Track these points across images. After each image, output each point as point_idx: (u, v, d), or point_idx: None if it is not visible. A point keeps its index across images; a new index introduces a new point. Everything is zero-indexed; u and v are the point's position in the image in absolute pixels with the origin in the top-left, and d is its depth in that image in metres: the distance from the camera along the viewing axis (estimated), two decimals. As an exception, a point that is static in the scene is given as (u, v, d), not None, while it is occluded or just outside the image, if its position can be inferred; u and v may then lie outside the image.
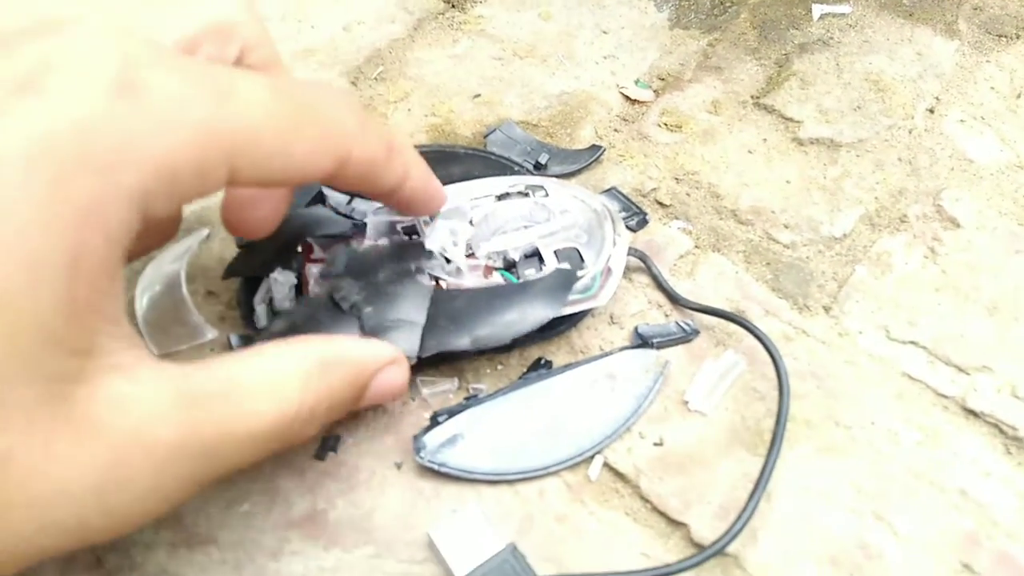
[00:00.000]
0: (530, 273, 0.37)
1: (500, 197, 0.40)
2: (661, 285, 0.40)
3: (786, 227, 0.44)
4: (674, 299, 0.40)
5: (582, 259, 0.39)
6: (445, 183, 0.37)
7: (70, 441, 0.21)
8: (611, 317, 0.40)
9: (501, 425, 0.35)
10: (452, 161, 0.44)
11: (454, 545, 0.32)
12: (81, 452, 0.21)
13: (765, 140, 0.49)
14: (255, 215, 0.32)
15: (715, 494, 0.34)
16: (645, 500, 0.34)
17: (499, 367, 0.38)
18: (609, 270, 0.37)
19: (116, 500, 0.22)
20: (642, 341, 0.38)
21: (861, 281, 0.42)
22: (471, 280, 0.36)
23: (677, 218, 0.45)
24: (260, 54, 0.30)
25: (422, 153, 0.34)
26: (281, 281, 0.36)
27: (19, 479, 0.20)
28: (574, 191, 0.41)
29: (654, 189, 0.46)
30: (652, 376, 0.36)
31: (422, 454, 0.34)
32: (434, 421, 0.35)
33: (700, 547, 0.33)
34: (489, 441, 0.34)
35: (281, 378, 0.26)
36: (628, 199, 0.45)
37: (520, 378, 0.37)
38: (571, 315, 0.37)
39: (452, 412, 0.35)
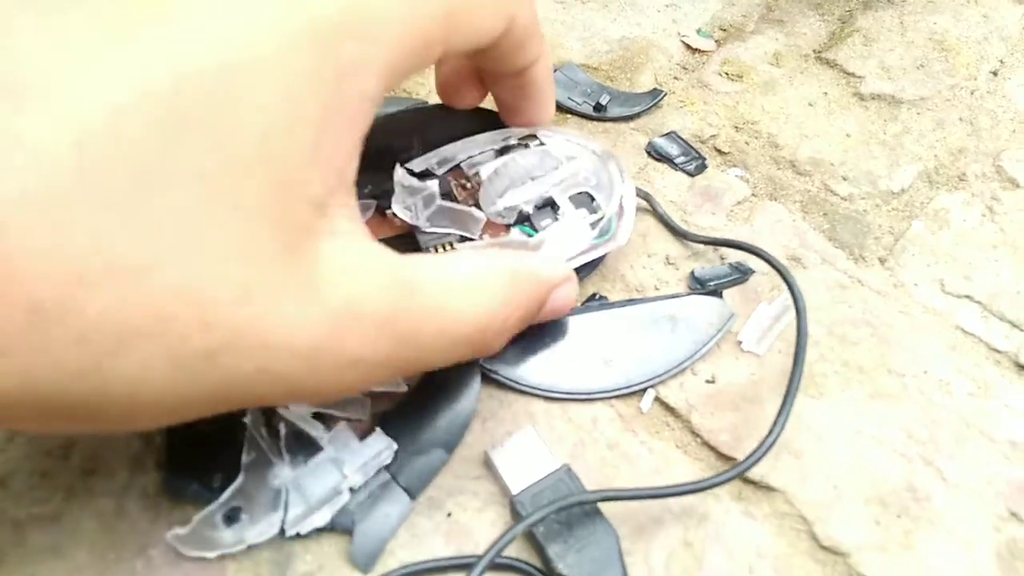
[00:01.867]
0: (547, 223, 0.36)
1: (500, 152, 0.38)
2: (667, 223, 0.40)
3: (844, 179, 0.44)
4: (682, 235, 0.40)
5: (595, 202, 0.37)
6: (445, 142, 0.37)
7: (297, 296, 0.21)
8: (667, 258, 0.40)
9: (558, 345, 0.35)
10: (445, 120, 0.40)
11: (510, 463, 0.33)
12: (306, 310, 0.21)
13: (826, 94, 0.48)
14: (470, 87, 0.35)
15: (765, 432, 0.34)
16: (695, 434, 0.34)
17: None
18: (622, 209, 0.37)
19: (324, 364, 0.22)
20: (699, 284, 0.38)
21: (917, 235, 0.41)
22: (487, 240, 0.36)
23: (735, 166, 0.44)
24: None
25: (406, 112, 0.35)
26: None
27: (250, 319, 0.20)
28: (567, 135, 0.39)
29: (713, 136, 0.46)
30: (715, 327, 0.36)
31: (480, 361, 0.34)
32: None
33: (749, 482, 0.33)
34: (544, 359, 0.35)
35: (483, 285, 0.26)
36: (687, 143, 0.44)
37: (581, 305, 0.36)
38: (592, 261, 0.36)
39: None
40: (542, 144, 0.38)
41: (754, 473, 0.33)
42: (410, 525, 0.31)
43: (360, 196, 0.35)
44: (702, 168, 0.44)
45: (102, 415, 0.20)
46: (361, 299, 0.22)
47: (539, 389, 0.34)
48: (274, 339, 0.21)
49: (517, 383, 0.34)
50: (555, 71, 0.47)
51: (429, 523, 0.32)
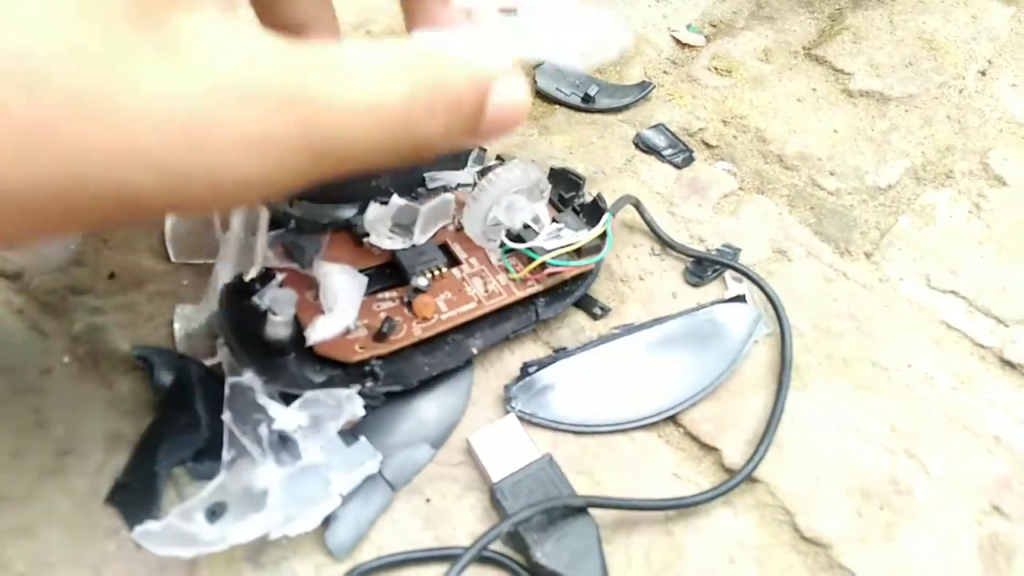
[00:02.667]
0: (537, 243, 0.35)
1: (482, 172, 0.37)
2: (655, 232, 0.39)
3: (831, 174, 0.44)
4: (668, 245, 0.39)
5: (579, 214, 0.37)
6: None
7: (166, 68, 0.18)
8: (652, 249, 0.39)
9: (588, 379, 0.35)
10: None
11: (492, 451, 0.32)
12: (176, 83, 0.18)
13: (815, 90, 0.48)
14: None
15: (748, 423, 0.34)
16: (678, 424, 0.34)
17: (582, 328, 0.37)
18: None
19: (213, 143, 0.19)
20: (697, 277, 0.38)
21: (904, 231, 0.41)
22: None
23: (723, 159, 0.44)
24: None
25: None
26: None
27: (92, 83, 0.17)
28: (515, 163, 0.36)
29: (701, 129, 0.45)
30: (746, 334, 0.36)
31: (513, 403, 0.33)
32: (524, 372, 0.34)
33: (731, 472, 0.33)
34: (576, 393, 0.34)
35: (392, 68, 0.22)
36: (675, 136, 0.44)
37: (609, 331, 0.36)
38: (584, 281, 0.36)
39: (542, 364, 0.34)
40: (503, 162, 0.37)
41: (736, 465, 0.33)
42: (388, 510, 0.31)
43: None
44: (689, 160, 0.43)
45: None
46: (245, 74, 0.19)
47: (579, 427, 0.34)
48: (131, 109, 0.18)
49: (558, 424, 0.34)
50: (542, 63, 0.46)
51: (408, 507, 0.31)
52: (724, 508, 0.32)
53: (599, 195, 0.37)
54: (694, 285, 0.38)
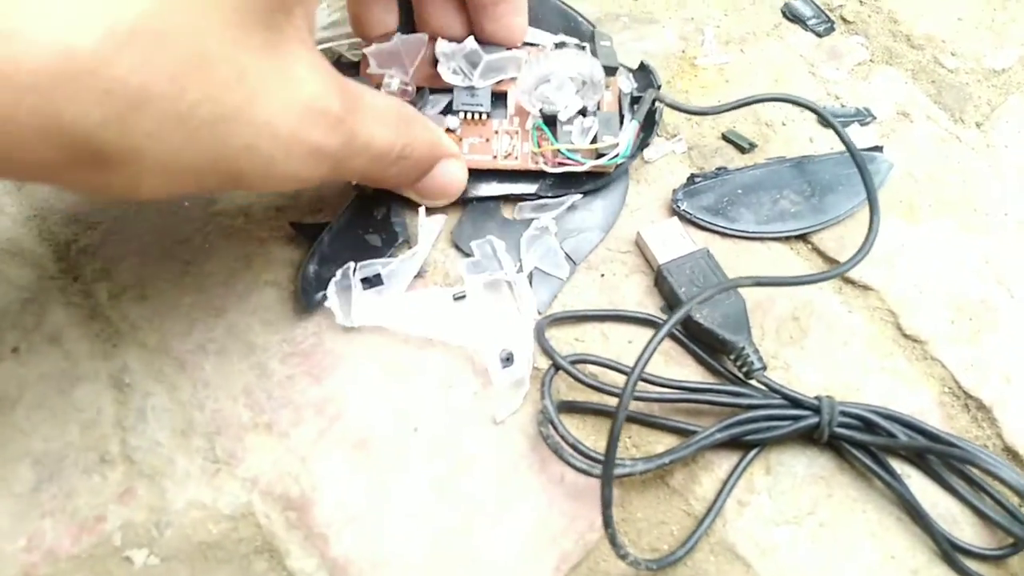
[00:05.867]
0: (569, 131, 0.37)
1: (558, 45, 0.40)
2: (679, 108, 0.41)
3: (952, 55, 0.49)
4: (699, 113, 0.41)
5: (621, 124, 0.38)
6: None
7: (279, 87, 0.24)
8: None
9: (739, 194, 0.41)
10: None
11: (658, 241, 0.39)
12: (285, 99, 0.24)
13: (944, -20, 0.52)
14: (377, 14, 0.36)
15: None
16: (807, 241, 0.41)
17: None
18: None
19: (296, 151, 0.25)
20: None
21: (1012, 108, 0.47)
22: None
23: (857, 34, 0.49)
24: None
25: None
26: None
27: (245, 99, 0.23)
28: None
29: (841, 6, 0.50)
30: (876, 182, 0.41)
31: (679, 204, 0.40)
32: (691, 180, 0.41)
33: (849, 281, 0.40)
34: (729, 204, 0.40)
35: (394, 119, 0.30)
36: (819, 7, 0.49)
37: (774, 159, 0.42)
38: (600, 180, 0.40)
39: (706, 177, 0.41)
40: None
41: (854, 274, 0.39)
42: (572, 283, 0.38)
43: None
44: (830, 31, 0.49)
45: (114, 167, 0.22)
46: (323, 98, 0.25)
47: (727, 229, 0.40)
48: (261, 121, 0.23)
49: (711, 224, 0.40)
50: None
51: (586, 279, 0.38)
52: (841, 306, 0.39)
53: (658, 96, 0.40)
54: (825, 126, 0.43)
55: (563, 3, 0.42)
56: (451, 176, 0.35)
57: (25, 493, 0.30)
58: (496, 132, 0.38)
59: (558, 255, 0.38)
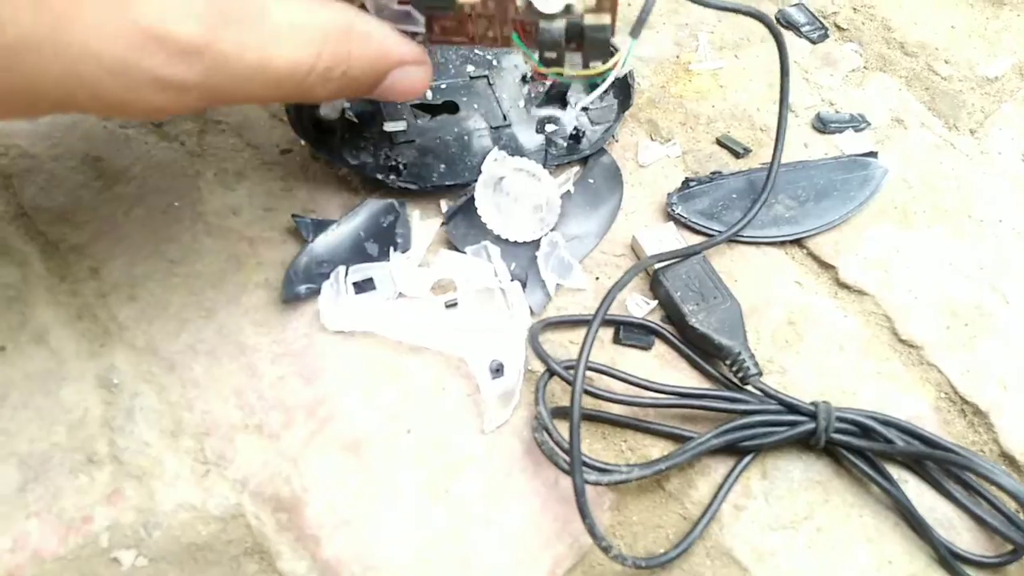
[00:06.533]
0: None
1: None
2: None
3: (946, 63, 0.49)
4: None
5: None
6: None
7: (99, 5, 0.22)
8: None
9: (733, 198, 0.40)
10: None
11: (653, 245, 0.39)
12: (112, 22, 0.22)
13: (937, -11, 0.53)
14: None
15: (863, 249, 0.40)
16: (802, 246, 0.40)
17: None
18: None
19: (132, 81, 0.23)
20: (822, 124, 0.43)
21: (1006, 115, 0.47)
22: None
23: (851, 41, 0.49)
24: None
25: None
26: None
27: (50, 23, 0.21)
28: None
29: (835, 13, 0.51)
30: (872, 186, 0.42)
31: (673, 207, 0.40)
32: (685, 184, 0.40)
33: (844, 286, 0.39)
34: (723, 208, 0.40)
35: (307, 30, 0.26)
36: (813, 15, 0.49)
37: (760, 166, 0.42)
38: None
39: (701, 181, 0.40)
40: None
41: (848, 278, 0.39)
42: (566, 285, 0.38)
43: None
44: (824, 37, 0.49)
45: None
46: (172, 21, 0.23)
47: (723, 235, 0.39)
48: (74, 49, 0.21)
49: (707, 229, 0.40)
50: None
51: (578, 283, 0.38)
52: (837, 311, 0.38)
53: (630, 73, 0.39)
54: (820, 131, 0.43)
55: None
56: (407, 83, 0.31)
57: (10, 494, 0.29)
58: (470, 15, 0.31)
59: (572, 267, 0.38)
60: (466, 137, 0.40)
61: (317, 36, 0.26)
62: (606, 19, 0.29)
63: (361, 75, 0.29)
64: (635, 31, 0.30)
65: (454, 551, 0.30)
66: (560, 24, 0.29)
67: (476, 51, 0.42)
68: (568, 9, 0.28)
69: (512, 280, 0.36)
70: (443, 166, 0.39)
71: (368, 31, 0.28)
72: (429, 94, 0.40)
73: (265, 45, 0.25)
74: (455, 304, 0.35)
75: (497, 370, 0.33)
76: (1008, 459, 0.34)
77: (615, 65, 0.31)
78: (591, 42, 0.29)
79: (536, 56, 0.31)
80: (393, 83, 0.30)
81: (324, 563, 0.29)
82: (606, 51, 0.30)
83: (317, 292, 0.34)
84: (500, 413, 0.33)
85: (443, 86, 0.41)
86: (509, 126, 0.40)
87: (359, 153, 0.38)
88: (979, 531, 0.32)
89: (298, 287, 0.34)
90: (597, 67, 0.30)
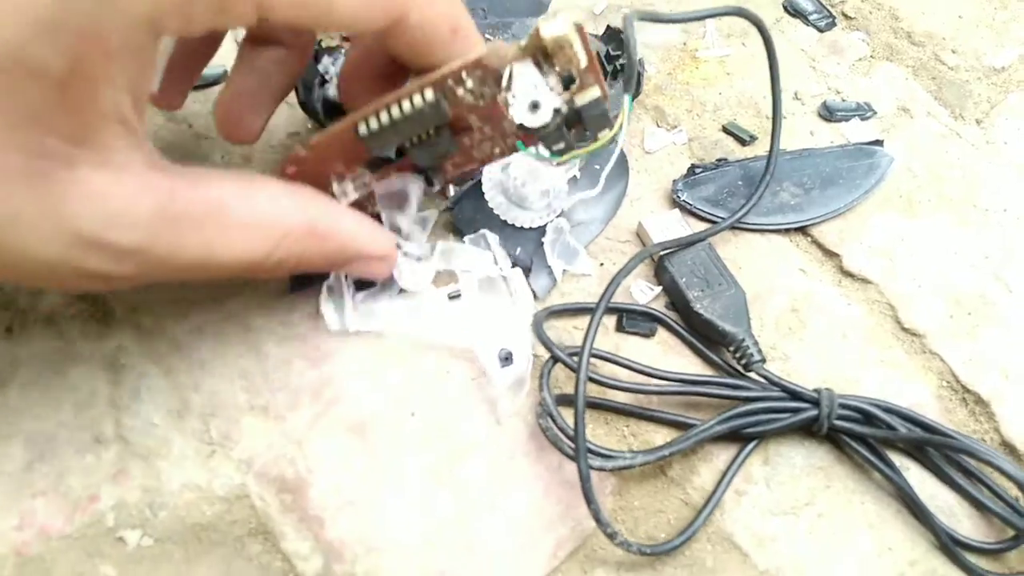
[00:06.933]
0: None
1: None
2: (601, 53, 0.38)
3: (953, 52, 0.49)
4: (654, 19, 0.34)
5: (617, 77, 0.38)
6: None
7: (37, 217, 0.22)
8: (795, 93, 0.45)
9: (739, 185, 0.40)
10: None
11: (659, 231, 0.39)
12: (45, 230, 0.22)
13: (945, -21, 0.52)
14: (246, 118, 0.31)
15: (867, 238, 0.40)
16: (807, 234, 0.40)
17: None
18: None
19: (62, 274, 0.23)
20: (828, 112, 0.43)
21: (1012, 106, 0.46)
22: None
23: (858, 30, 0.49)
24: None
25: None
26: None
27: None
28: None
29: (842, 2, 0.50)
30: (879, 175, 0.42)
31: (679, 194, 0.39)
32: (691, 171, 0.40)
33: (848, 274, 0.39)
34: (729, 195, 0.40)
35: (264, 228, 0.26)
36: (821, 3, 0.49)
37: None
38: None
39: (707, 168, 0.40)
40: None
41: (853, 267, 0.39)
42: (570, 271, 0.38)
43: None
44: (831, 26, 0.48)
45: None
46: (114, 231, 0.23)
47: (726, 221, 0.39)
48: (10, 242, 0.22)
49: (711, 216, 0.40)
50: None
51: (583, 268, 0.38)
52: (840, 298, 0.38)
53: (640, 60, 0.39)
54: (826, 119, 0.43)
55: None
56: (365, 274, 0.32)
57: (16, 472, 0.29)
58: (471, 145, 0.31)
59: (578, 253, 0.38)
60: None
61: (274, 234, 0.26)
62: (596, 92, 0.28)
63: (318, 264, 0.29)
64: (628, 87, 0.31)
65: (458, 533, 0.30)
66: (556, 121, 0.29)
67: (486, 35, 0.42)
68: (557, 112, 0.28)
69: (513, 267, 0.36)
70: None
71: (330, 230, 0.28)
72: None
73: (211, 243, 0.25)
74: (458, 295, 0.35)
75: (506, 358, 0.33)
76: (1009, 448, 0.34)
77: (620, 125, 0.31)
78: (591, 120, 0.29)
79: (547, 153, 0.31)
80: (351, 271, 0.31)
81: (328, 544, 0.29)
82: (607, 120, 0.30)
83: (323, 280, 0.34)
84: (513, 401, 0.33)
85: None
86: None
87: None
88: (980, 518, 0.32)
89: (303, 280, 0.34)
90: (605, 134, 0.31)
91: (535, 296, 0.36)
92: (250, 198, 0.26)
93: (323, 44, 0.38)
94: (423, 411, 0.32)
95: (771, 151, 0.38)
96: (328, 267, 0.30)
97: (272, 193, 0.27)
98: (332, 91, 0.37)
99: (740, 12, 0.36)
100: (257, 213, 0.26)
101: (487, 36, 0.42)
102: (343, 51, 0.38)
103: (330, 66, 0.38)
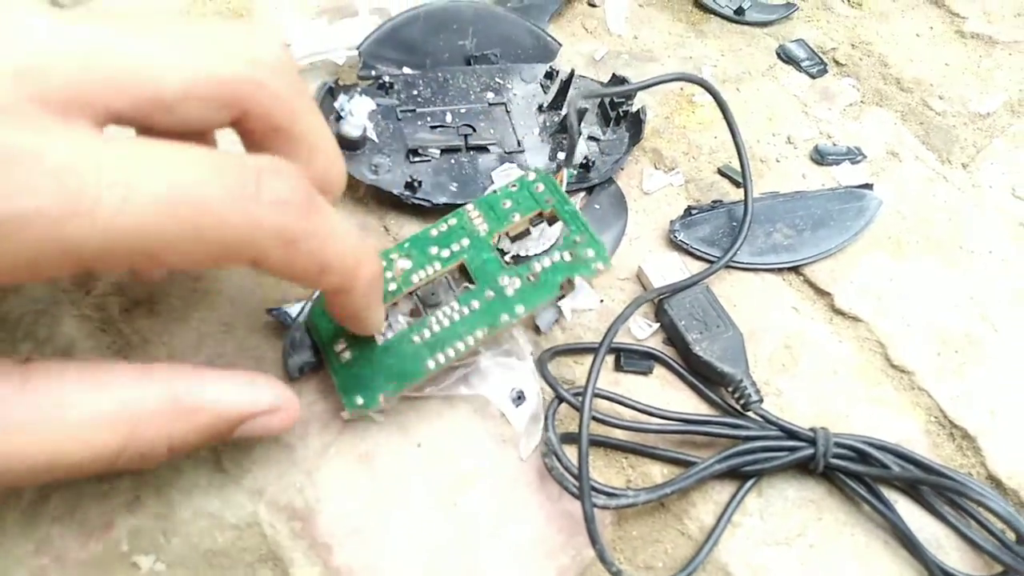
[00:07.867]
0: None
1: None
2: (600, 93, 0.42)
3: (940, 98, 0.50)
4: (620, 82, 0.43)
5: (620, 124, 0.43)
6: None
7: None
8: (788, 138, 0.47)
9: (734, 226, 0.42)
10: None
11: (658, 273, 0.40)
12: None
13: (931, 28, 0.54)
14: None
15: (858, 277, 0.42)
16: (799, 273, 0.42)
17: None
18: None
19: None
20: (820, 156, 0.45)
21: (997, 150, 0.48)
22: None
23: (849, 76, 0.51)
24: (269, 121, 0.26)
25: None
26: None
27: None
28: None
29: (833, 49, 0.52)
30: (867, 217, 0.43)
31: (676, 234, 0.41)
32: (688, 212, 0.42)
33: (839, 312, 0.41)
34: (724, 235, 0.41)
35: (108, 423, 0.23)
36: (813, 50, 0.51)
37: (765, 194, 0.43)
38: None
39: (702, 209, 0.42)
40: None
41: (843, 305, 0.41)
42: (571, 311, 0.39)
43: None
44: (823, 72, 0.50)
45: None
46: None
47: (724, 262, 0.40)
48: None
49: (709, 256, 0.41)
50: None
51: (584, 304, 0.39)
52: (831, 336, 0.40)
53: (643, 108, 0.43)
54: (818, 163, 0.45)
55: (533, 24, 0.45)
56: (260, 433, 0.29)
57: (33, 499, 0.30)
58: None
59: (587, 290, 0.39)
60: (480, 160, 0.41)
61: (121, 424, 0.24)
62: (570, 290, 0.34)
63: (201, 441, 0.26)
64: (568, 162, 0.37)
65: (461, 561, 0.31)
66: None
67: (496, 79, 0.43)
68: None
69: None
70: (455, 185, 0.40)
71: (201, 402, 0.25)
72: (449, 117, 0.41)
73: (51, 448, 0.23)
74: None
75: (519, 397, 0.34)
76: (995, 481, 0.35)
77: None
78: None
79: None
80: (244, 434, 0.27)
81: (335, 570, 0.30)
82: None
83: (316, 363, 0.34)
84: (532, 437, 0.34)
85: (463, 110, 0.42)
86: (523, 152, 0.42)
87: (377, 168, 0.39)
88: (968, 550, 0.33)
89: (295, 360, 0.34)
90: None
91: (538, 331, 0.37)
92: (95, 390, 0.23)
93: (339, 82, 0.40)
94: (428, 442, 0.33)
95: (745, 197, 0.40)
96: (215, 441, 0.27)
97: (124, 377, 0.24)
98: (346, 128, 0.38)
99: (685, 77, 0.40)
100: (104, 407, 0.23)
101: (497, 80, 0.43)
102: (359, 89, 0.40)
103: (345, 103, 0.39)
